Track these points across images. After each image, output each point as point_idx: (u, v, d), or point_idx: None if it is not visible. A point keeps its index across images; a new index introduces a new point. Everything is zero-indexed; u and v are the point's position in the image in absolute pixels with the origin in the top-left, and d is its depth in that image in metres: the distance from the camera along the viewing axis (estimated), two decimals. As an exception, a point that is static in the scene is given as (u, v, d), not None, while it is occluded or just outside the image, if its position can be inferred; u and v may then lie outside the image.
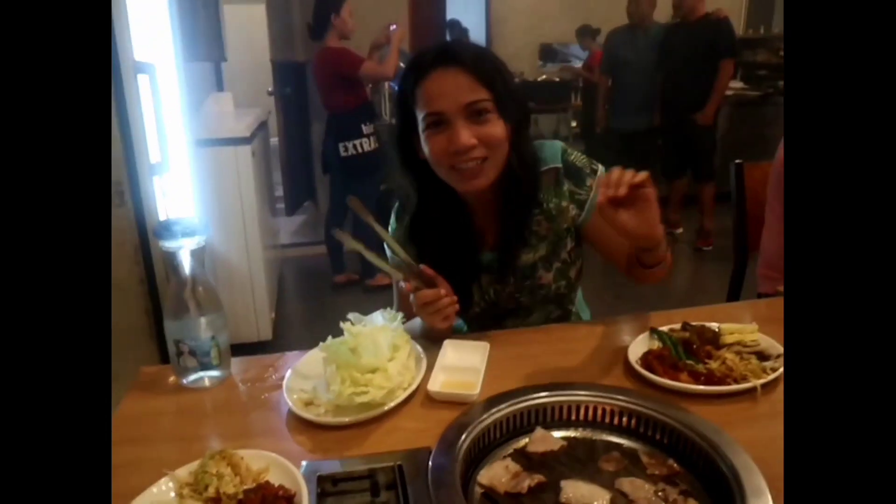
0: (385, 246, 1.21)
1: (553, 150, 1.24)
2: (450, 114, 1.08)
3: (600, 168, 1.24)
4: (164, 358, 1.14)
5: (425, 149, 1.13)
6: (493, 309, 1.30)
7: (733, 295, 1.94)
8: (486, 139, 1.09)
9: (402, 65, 3.89)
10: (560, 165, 1.22)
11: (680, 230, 4.92)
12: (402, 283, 1.12)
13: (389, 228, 1.29)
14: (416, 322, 1.22)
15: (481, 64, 1.09)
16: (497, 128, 1.10)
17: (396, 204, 1.30)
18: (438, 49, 1.11)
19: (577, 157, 1.25)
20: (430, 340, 1.14)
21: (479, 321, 1.32)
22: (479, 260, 1.26)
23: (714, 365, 1.03)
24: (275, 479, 0.78)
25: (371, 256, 1.11)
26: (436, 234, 1.21)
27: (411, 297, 1.12)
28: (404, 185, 1.25)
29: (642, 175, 0.97)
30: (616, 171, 0.99)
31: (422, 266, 1.13)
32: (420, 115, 1.12)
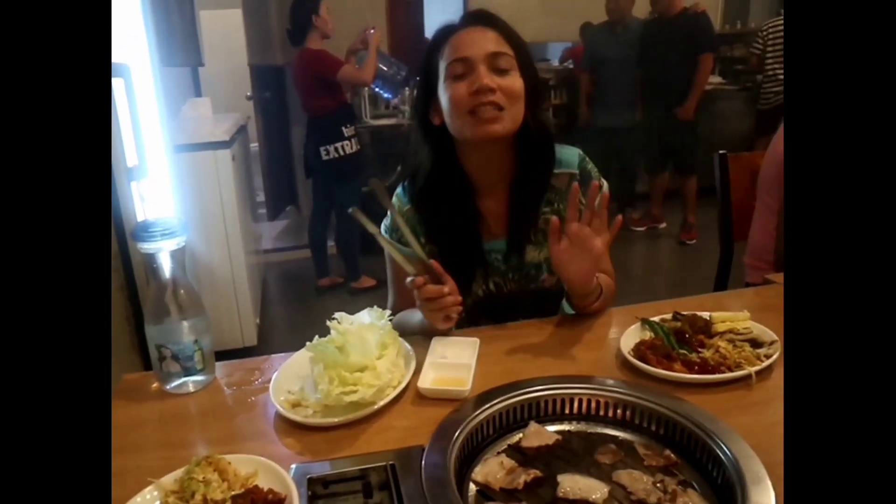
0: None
1: (571, 155, 1.27)
2: (474, 59, 1.13)
3: (606, 185, 1.23)
4: (147, 366, 1.11)
5: (444, 99, 1.16)
6: (488, 302, 1.29)
7: (720, 286, 1.94)
8: (506, 90, 1.13)
9: (381, 66, 3.87)
10: (577, 171, 1.26)
11: (663, 224, 4.95)
12: (410, 279, 1.09)
13: (394, 201, 1.28)
14: (410, 317, 1.21)
15: (510, 29, 1.18)
16: (517, 83, 1.15)
17: (405, 180, 1.32)
18: (472, 11, 1.21)
19: (593, 167, 1.29)
20: (425, 336, 1.13)
21: (471, 314, 1.29)
22: (482, 247, 1.26)
23: (707, 353, 1.02)
24: (264, 483, 0.76)
25: (386, 243, 1.11)
26: (440, 211, 1.23)
27: (415, 292, 1.10)
28: (418, 156, 1.27)
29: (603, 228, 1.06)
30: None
31: (432, 261, 1.11)
32: (444, 66, 1.16)
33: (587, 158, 1.28)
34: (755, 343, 1.05)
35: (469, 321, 1.29)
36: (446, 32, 1.18)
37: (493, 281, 1.27)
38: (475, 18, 1.18)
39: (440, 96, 1.18)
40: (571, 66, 5.79)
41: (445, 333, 1.14)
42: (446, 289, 1.08)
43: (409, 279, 1.08)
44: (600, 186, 1.08)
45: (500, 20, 1.18)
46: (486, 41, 1.14)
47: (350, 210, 1.22)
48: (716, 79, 5.76)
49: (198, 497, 0.73)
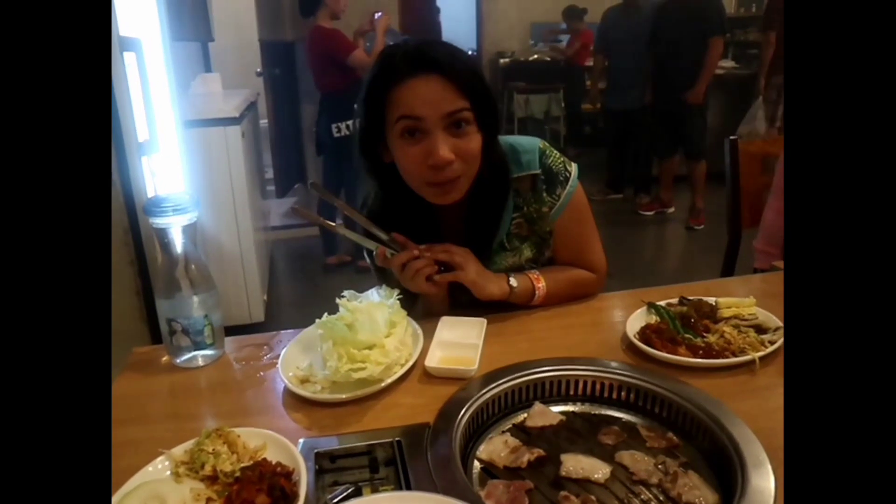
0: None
1: (531, 154, 1.19)
2: (429, 122, 1.01)
3: (574, 171, 1.22)
4: (156, 339, 1.12)
5: (397, 156, 1.07)
6: (475, 305, 1.22)
7: (727, 271, 1.94)
8: (464, 154, 1.04)
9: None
10: (538, 171, 1.19)
11: (672, 209, 4.93)
12: (375, 253, 1.11)
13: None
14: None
15: (459, 69, 1.03)
16: (474, 142, 1.05)
17: (362, 202, 1.26)
18: (412, 52, 1.03)
19: (555, 159, 1.21)
20: (431, 316, 1.13)
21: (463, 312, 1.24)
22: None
23: (712, 338, 1.03)
24: (272, 456, 0.77)
25: (337, 228, 1.11)
26: (399, 230, 1.14)
27: (394, 270, 1.11)
28: (368, 183, 1.22)
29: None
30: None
31: (393, 234, 1.12)
32: (394, 117, 1.03)
33: (548, 150, 1.21)
34: (760, 329, 1.06)
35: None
36: (389, 78, 1.03)
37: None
38: (419, 64, 1.01)
39: (390, 144, 1.08)
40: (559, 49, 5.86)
41: (443, 307, 1.15)
42: (415, 251, 1.09)
43: (373, 252, 1.10)
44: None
45: (446, 57, 1.02)
46: (440, 99, 1.01)
47: (310, 183, 1.20)
48: (728, 63, 5.69)
49: (207, 468, 0.75)
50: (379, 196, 1.21)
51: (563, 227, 1.23)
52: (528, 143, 1.21)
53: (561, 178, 1.20)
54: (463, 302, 1.21)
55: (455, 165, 1.04)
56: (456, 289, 1.16)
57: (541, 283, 1.18)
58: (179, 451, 0.79)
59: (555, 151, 1.23)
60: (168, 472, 0.77)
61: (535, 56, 6.65)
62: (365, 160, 1.14)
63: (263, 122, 4.38)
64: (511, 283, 1.16)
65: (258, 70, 4.40)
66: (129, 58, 1.86)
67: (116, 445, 0.85)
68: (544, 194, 1.20)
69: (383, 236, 1.12)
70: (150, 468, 0.77)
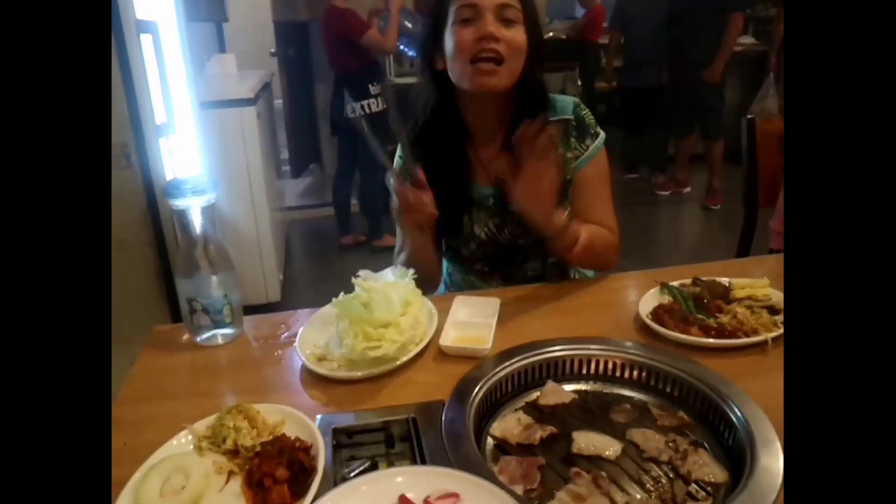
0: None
1: (566, 104, 1.28)
2: (483, 7, 1.14)
3: (602, 135, 1.28)
4: (176, 318, 1.14)
5: (449, 43, 1.18)
6: (490, 248, 1.31)
7: (743, 251, 1.92)
8: (510, 41, 1.15)
9: (406, 23, 3.83)
10: (571, 118, 1.27)
11: (688, 189, 4.89)
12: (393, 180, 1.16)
13: (396, 157, 1.34)
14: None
15: None
16: (520, 36, 1.17)
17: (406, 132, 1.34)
18: None
19: (588, 114, 1.29)
20: (412, 266, 1.13)
21: (474, 260, 1.34)
22: (472, 190, 1.30)
23: (725, 319, 1.03)
24: (291, 432, 0.79)
25: (376, 145, 1.17)
26: (433, 156, 1.24)
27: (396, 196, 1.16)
28: (421, 100, 1.32)
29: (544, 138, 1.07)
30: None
31: (418, 168, 1.17)
32: (453, 8, 1.17)
33: (583, 106, 1.29)
34: (773, 310, 1.05)
35: (472, 270, 1.35)
36: None
37: (493, 223, 1.30)
38: None
39: (445, 40, 1.20)
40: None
41: (427, 258, 1.21)
42: (425, 198, 1.14)
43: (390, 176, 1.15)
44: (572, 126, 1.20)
45: None
46: None
47: (351, 114, 1.23)
48: (748, 39, 5.58)
49: (229, 442, 0.78)
50: (426, 112, 1.29)
51: (584, 178, 1.27)
52: (565, 97, 1.31)
53: (591, 132, 1.27)
54: (483, 271, 1.28)
55: (500, 45, 1.14)
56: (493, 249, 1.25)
57: (582, 231, 1.20)
58: (201, 426, 0.81)
59: (587, 109, 1.30)
60: (191, 447, 0.79)
61: (551, 34, 6.57)
62: (423, 64, 1.28)
63: (278, 102, 4.38)
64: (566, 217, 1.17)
65: (272, 50, 4.40)
66: (145, 40, 1.87)
67: (140, 420, 0.88)
68: (573, 140, 1.26)
69: (411, 164, 1.18)
70: (174, 442, 0.79)
